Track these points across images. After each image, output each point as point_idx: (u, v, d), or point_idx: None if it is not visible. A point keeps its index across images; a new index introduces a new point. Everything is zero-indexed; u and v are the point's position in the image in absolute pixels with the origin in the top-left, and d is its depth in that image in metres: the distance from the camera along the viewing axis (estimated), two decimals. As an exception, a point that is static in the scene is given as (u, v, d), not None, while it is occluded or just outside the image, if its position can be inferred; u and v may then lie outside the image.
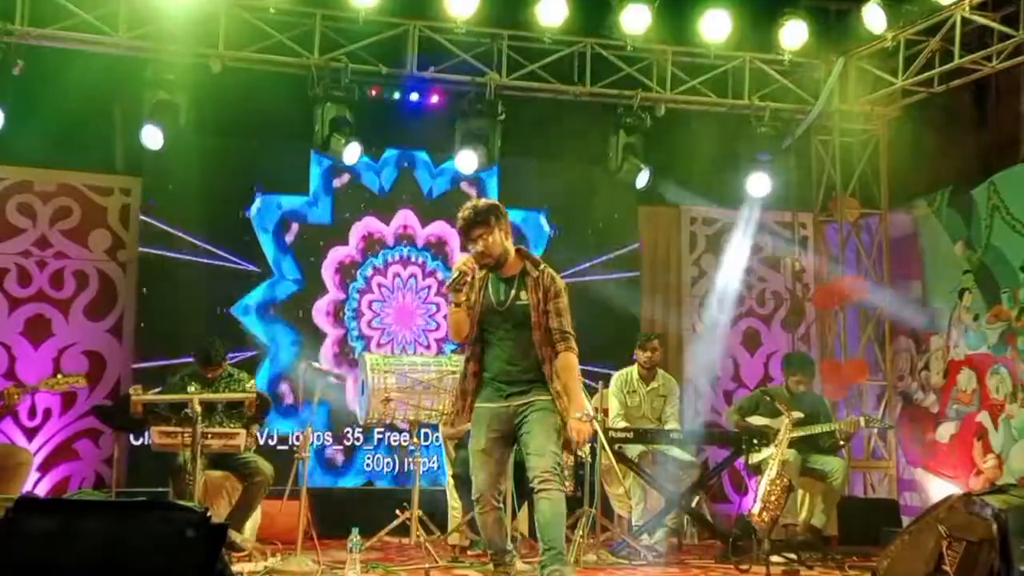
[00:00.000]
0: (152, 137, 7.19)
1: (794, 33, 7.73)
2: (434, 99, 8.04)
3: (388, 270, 8.24)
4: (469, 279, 4.52)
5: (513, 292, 4.55)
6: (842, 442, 7.07)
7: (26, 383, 7.03)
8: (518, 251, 4.64)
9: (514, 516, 5.77)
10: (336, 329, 8.09)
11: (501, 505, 4.63)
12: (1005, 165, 7.41)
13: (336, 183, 8.17)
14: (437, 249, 8.34)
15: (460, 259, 4.57)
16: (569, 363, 4.50)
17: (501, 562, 4.66)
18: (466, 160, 7.65)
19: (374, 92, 7.77)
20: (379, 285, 8.21)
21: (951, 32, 7.14)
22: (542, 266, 4.61)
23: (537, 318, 4.50)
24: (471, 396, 4.57)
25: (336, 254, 8.15)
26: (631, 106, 7.79)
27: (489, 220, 4.51)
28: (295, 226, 8.06)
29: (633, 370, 7.08)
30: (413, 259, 8.29)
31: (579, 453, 6.24)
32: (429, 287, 8.30)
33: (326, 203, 8.15)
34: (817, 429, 6.73)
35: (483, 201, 4.64)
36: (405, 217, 8.30)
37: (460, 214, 4.55)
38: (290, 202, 8.07)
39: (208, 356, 6.31)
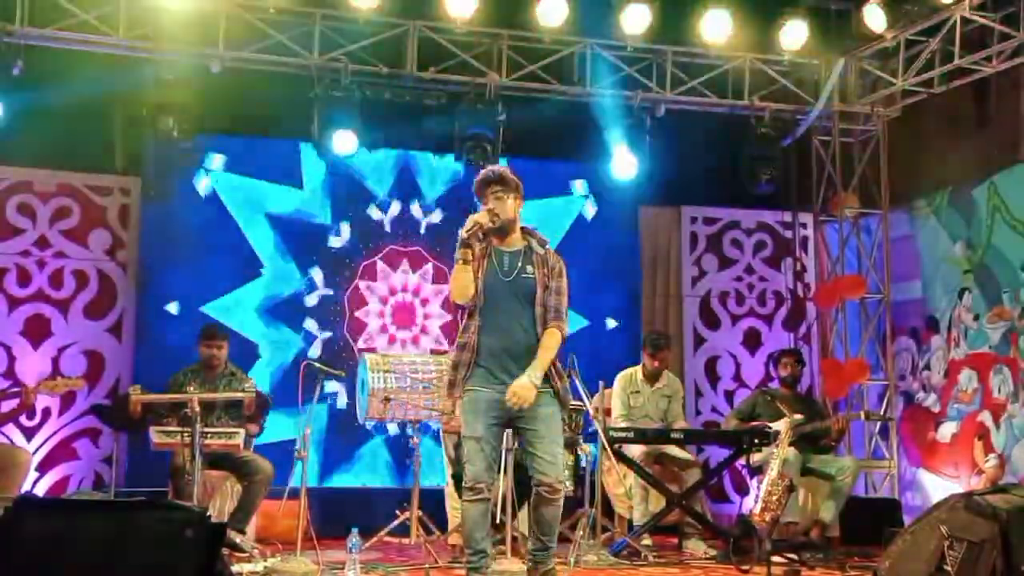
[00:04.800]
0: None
1: (794, 33, 7.73)
2: (434, 99, 8.02)
3: (385, 268, 8.26)
4: (481, 235, 4.44)
5: (520, 264, 4.49)
6: (833, 442, 7.09)
7: (26, 383, 7.02)
8: (523, 229, 4.60)
9: (514, 515, 5.76)
10: (338, 328, 8.10)
11: (490, 497, 4.48)
12: (1005, 165, 7.40)
13: (334, 181, 8.16)
14: (435, 251, 8.35)
15: (472, 217, 4.44)
16: (552, 340, 4.42)
17: (477, 566, 4.40)
18: (465, 160, 7.66)
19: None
20: (377, 283, 8.22)
21: (951, 32, 7.14)
22: (548, 244, 4.62)
23: (541, 294, 4.46)
24: (465, 369, 4.43)
25: (335, 252, 8.15)
26: (631, 106, 7.80)
27: (508, 182, 4.50)
28: (292, 224, 8.06)
29: (637, 370, 7.07)
30: (413, 258, 8.31)
31: (580, 452, 6.24)
32: (428, 290, 8.32)
33: (324, 201, 8.15)
34: (808, 427, 6.75)
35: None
36: (404, 217, 8.31)
37: (483, 171, 4.56)
38: (287, 200, 8.06)
39: (212, 331, 6.37)
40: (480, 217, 4.41)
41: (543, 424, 4.40)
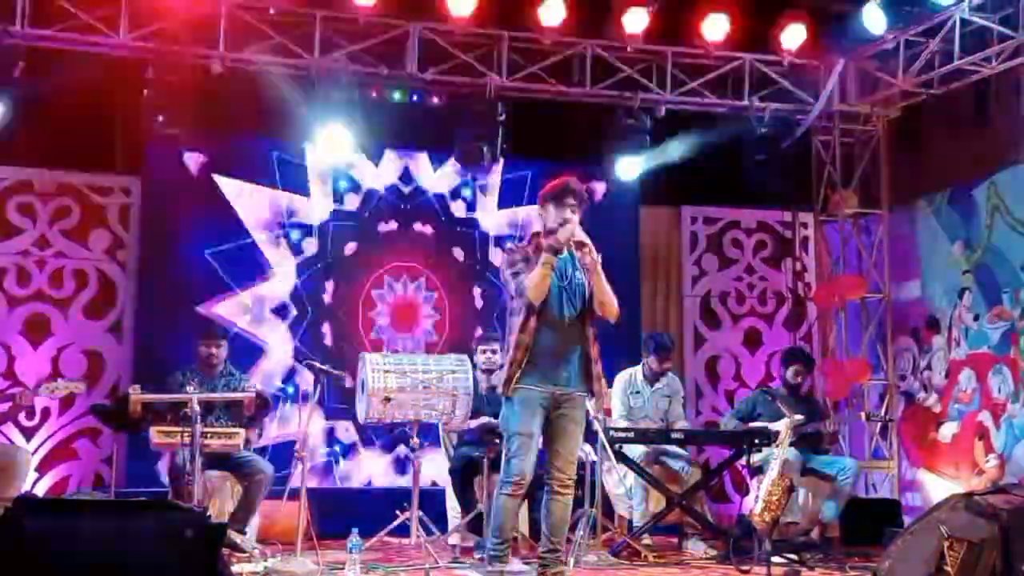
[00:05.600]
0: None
1: (794, 34, 7.74)
2: (434, 100, 8.03)
3: (386, 266, 8.26)
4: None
5: (572, 270, 4.74)
6: (828, 444, 7.08)
7: (26, 383, 7.03)
8: None
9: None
10: (339, 329, 8.10)
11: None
12: (1005, 165, 7.41)
13: (334, 181, 8.16)
14: (436, 252, 8.35)
15: (568, 227, 4.63)
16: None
17: (503, 555, 4.66)
18: (466, 161, 7.66)
19: (374, 93, 7.76)
20: (379, 283, 8.22)
21: (951, 33, 7.14)
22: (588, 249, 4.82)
23: (589, 296, 4.71)
24: (519, 368, 4.63)
25: (336, 252, 8.15)
26: (631, 107, 7.80)
27: (584, 197, 4.78)
28: (293, 224, 8.05)
29: (637, 370, 7.06)
30: (412, 258, 8.31)
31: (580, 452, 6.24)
32: (427, 287, 8.32)
33: (325, 201, 8.15)
34: (809, 428, 6.74)
35: None
36: (404, 217, 8.31)
37: (563, 181, 4.74)
38: (287, 200, 8.05)
39: (211, 331, 6.39)
40: (573, 227, 4.63)
41: (574, 425, 4.72)
